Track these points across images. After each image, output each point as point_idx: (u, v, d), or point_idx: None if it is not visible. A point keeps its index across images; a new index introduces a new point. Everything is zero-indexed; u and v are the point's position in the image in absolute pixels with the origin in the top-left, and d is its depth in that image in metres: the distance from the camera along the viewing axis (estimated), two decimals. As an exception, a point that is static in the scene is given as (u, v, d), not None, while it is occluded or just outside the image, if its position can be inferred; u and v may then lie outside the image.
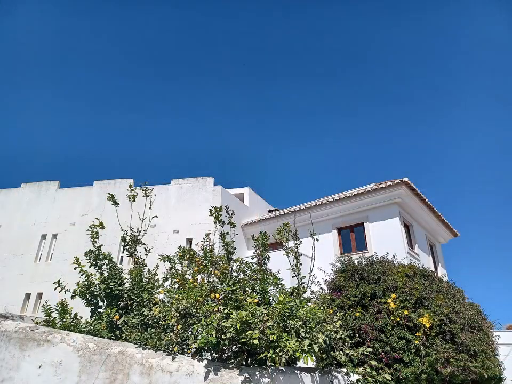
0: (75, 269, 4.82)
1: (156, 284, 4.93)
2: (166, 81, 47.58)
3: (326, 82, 47.82)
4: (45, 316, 4.61)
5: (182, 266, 5.23)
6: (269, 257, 5.15)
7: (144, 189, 5.61)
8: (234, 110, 48.91)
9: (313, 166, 49.84)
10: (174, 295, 4.25)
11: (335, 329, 4.74)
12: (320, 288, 7.00)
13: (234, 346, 4.20)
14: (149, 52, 45.35)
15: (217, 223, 5.10)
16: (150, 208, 5.59)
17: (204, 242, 5.29)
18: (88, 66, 42.41)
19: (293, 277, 5.08)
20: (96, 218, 5.24)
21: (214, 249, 5.16)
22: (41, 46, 40.70)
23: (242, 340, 3.64)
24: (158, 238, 14.07)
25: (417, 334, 5.96)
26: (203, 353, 4.14)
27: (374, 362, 5.48)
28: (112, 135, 48.33)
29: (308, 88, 47.61)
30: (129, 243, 5.26)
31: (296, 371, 4.21)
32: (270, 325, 3.63)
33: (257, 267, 4.95)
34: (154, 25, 43.77)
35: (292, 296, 4.55)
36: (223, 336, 3.67)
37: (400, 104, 45.83)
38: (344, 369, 5.29)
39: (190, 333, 3.98)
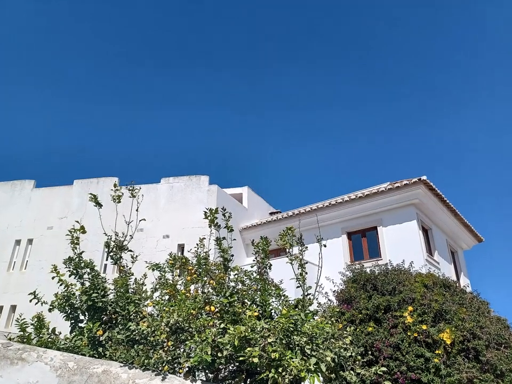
0: (53, 278, 4.81)
1: (143, 295, 4.93)
2: (156, 70, 47.60)
3: (334, 71, 47.89)
4: (19, 331, 4.61)
5: (173, 275, 5.23)
6: (271, 265, 5.16)
7: (130, 188, 5.61)
8: (230, 103, 48.92)
9: (319, 164, 49.90)
10: (164, 308, 4.25)
11: (345, 346, 4.73)
12: (328, 300, 7.01)
13: (232, 365, 4.20)
14: (137, 38, 45.42)
15: (212, 227, 5.11)
16: (137, 210, 5.59)
17: (198, 249, 5.29)
18: (69, 55, 42.46)
19: (298, 287, 5.07)
20: (77, 221, 5.24)
21: (209, 256, 5.17)
22: (20, 34, 40.74)
23: (240, 358, 3.63)
24: (146, 243, 14.07)
25: (437, 352, 5.97)
26: (197, 373, 4.14)
27: (388, 383, 5.47)
28: (96, 130, 48.35)
29: (312, 78, 47.68)
30: (114, 249, 5.26)
31: (301, 393, 4.20)
32: (272, 341, 3.64)
33: (258, 276, 4.95)
34: (141, 10, 43.81)
35: (297, 309, 4.54)
36: (219, 354, 3.67)
37: (418, 95, 45.88)
38: (355, 391, 5.28)
39: (182, 350, 3.98)
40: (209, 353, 3.54)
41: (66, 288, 4.75)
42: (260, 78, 48.81)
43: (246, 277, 4.91)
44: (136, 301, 4.69)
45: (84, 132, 46.33)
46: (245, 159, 48.05)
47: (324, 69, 46.91)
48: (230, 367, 4.26)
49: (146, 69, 46.49)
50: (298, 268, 5.07)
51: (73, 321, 4.75)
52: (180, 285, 5.06)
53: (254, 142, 50.70)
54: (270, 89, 48.68)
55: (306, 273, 5.12)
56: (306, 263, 5.28)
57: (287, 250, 5.17)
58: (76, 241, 4.93)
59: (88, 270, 4.86)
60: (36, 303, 4.69)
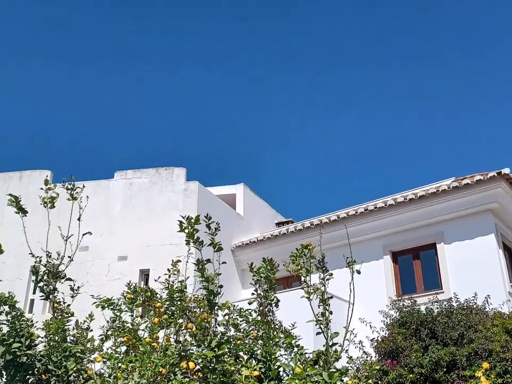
0: (-46, 320, 4.83)
1: (89, 345, 4.94)
2: (118, 14, 47.62)
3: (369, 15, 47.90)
4: None
5: (132, 316, 5.25)
6: (278, 300, 5.18)
7: (69, 186, 5.60)
8: (220, 63, 48.70)
9: (348, 151, 49.86)
10: (120, 365, 4.26)
11: (389, 421, 4.76)
12: (364, 352, 7.02)
13: None
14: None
15: (191, 244, 5.10)
16: (79, 219, 5.59)
17: (169, 277, 5.31)
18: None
19: (318, 334, 5.09)
20: (-10, 235, 5.26)
21: (186, 288, 5.16)
22: None
23: None
24: (93, 268, 14.09)
25: (525, 429, 5.99)
26: None
27: None
28: (24, 105, 48.24)
29: (344, 20, 47.63)
30: (45, 277, 5.26)
31: None
32: (280, 414, 3.66)
33: (259, 317, 4.98)
34: None
35: (317, 367, 4.56)
36: (202, 433, 3.69)
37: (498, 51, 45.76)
38: None
39: (146, 427, 4.00)
40: (186, 431, 3.56)
41: (-26, 335, 4.76)
42: (261, 30, 48.85)
43: (241, 319, 4.95)
44: (77, 354, 4.70)
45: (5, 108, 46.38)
46: (241, 152, 48.05)
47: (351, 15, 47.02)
48: None
49: (102, 11, 46.57)
50: (319, 305, 5.08)
51: (-16, 384, 4.76)
52: (143, 330, 5.07)
53: (252, 126, 50.75)
54: (277, 41, 48.72)
55: (331, 312, 5.13)
56: (331, 297, 5.29)
57: (303, 278, 5.19)
58: (-12, 266, 4.95)
59: (6, 308, 4.85)
60: None
